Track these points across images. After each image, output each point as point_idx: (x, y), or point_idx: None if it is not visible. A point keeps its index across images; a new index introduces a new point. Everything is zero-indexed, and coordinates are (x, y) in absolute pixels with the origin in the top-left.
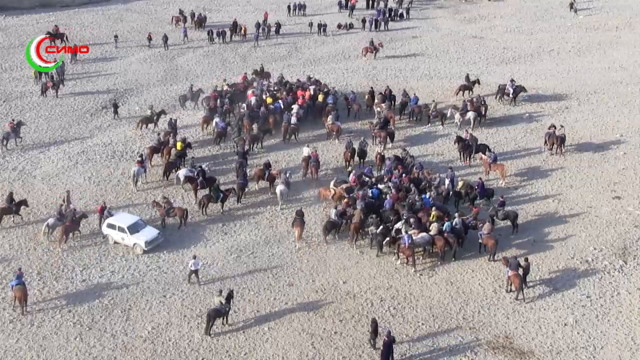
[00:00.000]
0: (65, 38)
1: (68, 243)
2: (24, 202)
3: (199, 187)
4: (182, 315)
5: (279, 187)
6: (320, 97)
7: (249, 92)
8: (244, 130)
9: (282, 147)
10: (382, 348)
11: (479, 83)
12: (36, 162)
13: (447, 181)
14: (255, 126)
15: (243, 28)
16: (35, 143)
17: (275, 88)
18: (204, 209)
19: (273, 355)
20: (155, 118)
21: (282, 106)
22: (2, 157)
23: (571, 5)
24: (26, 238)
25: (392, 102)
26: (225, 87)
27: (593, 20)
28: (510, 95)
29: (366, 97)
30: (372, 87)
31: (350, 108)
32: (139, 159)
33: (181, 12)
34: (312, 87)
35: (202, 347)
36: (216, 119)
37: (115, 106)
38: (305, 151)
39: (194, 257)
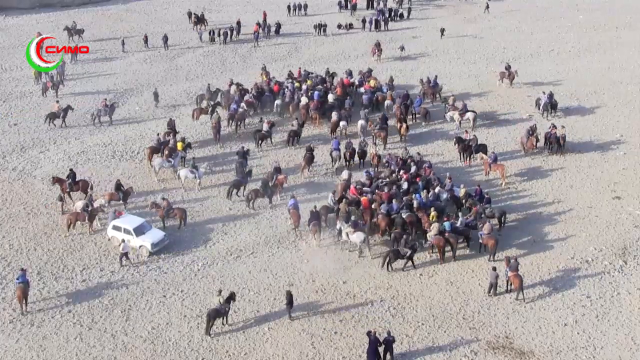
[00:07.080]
0: None
1: (69, 244)
2: (130, 190)
3: (67, 190)
4: (182, 315)
5: (360, 122)
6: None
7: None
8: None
9: (282, 148)
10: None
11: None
12: (36, 162)
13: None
14: (296, 122)
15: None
16: (35, 143)
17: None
18: (250, 203)
19: (273, 355)
20: (210, 109)
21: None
22: (2, 157)
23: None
24: (26, 238)
25: (404, 101)
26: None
27: (593, 20)
28: (549, 106)
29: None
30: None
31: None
32: (166, 152)
33: (74, 24)
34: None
35: (202, 347)
36: (233, 105)
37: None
38: (335, 116)
39: (123, 241)
